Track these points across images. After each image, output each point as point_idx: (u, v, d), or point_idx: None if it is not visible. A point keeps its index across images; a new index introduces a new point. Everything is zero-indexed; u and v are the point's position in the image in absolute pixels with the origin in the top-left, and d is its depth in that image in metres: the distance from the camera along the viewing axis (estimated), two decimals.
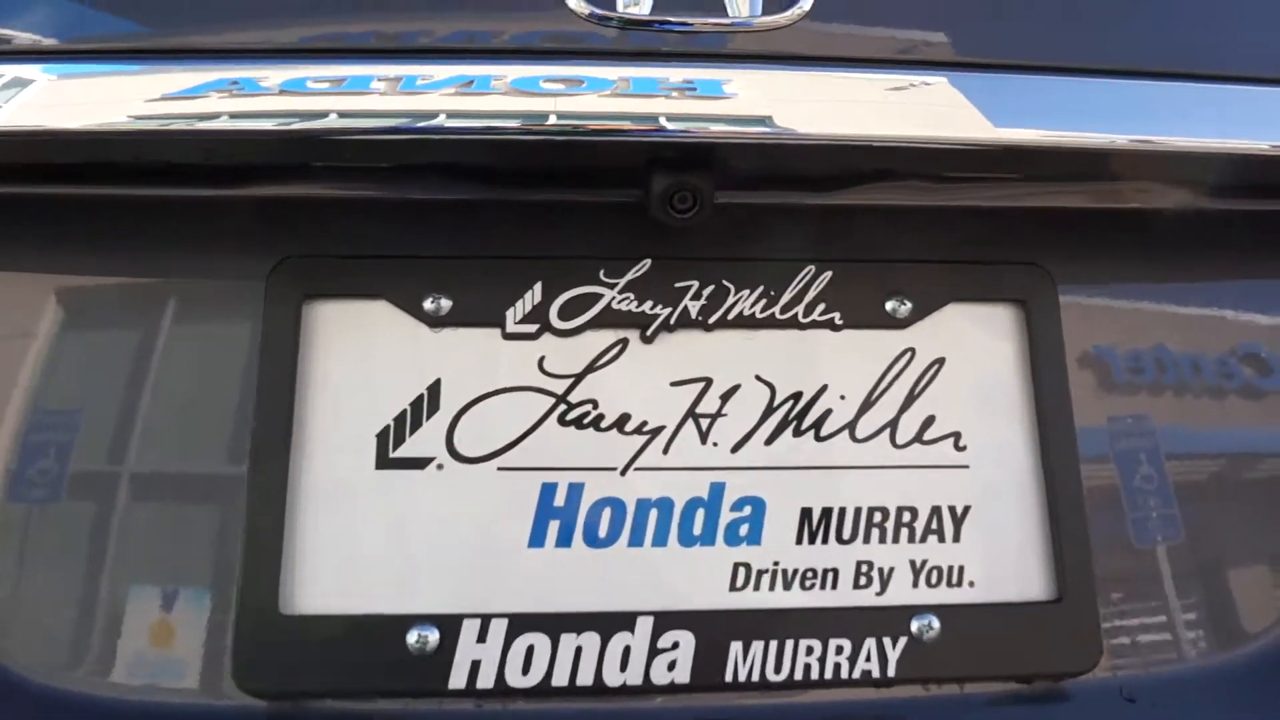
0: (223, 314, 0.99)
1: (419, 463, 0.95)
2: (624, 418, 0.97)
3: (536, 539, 0.94)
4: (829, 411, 0.99)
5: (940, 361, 1.01)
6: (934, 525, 0.97)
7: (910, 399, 1.00)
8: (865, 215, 1.05)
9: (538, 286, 0.99)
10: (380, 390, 0.96)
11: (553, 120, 0.88)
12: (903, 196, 1.04)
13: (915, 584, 0.96)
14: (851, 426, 0.98)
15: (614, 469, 0.96)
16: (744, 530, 0.95)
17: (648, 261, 1.00)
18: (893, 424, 0.99)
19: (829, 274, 1.01)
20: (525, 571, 0.93)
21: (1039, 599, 0.97)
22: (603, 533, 0.94)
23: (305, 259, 0.99)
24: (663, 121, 0.88)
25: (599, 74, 0.90)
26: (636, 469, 0.96)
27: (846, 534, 0.96)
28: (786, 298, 1.00)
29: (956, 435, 1.00)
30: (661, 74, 0.91)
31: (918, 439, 0.99)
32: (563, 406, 0.96)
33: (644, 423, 0.97)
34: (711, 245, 1.01)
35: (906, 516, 0.97)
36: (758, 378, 0.99)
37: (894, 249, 1.04)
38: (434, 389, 0.96)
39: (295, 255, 0.98)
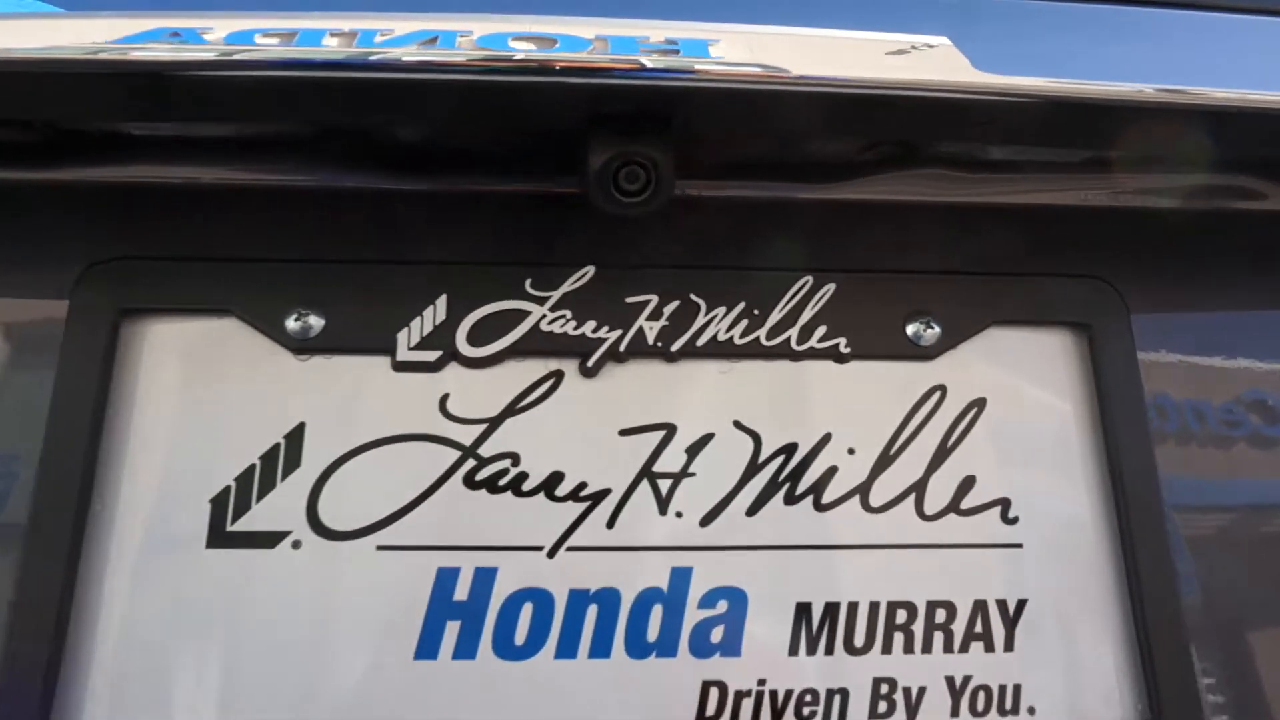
0: (17, 336, 0.80)
1: (268, 539, 0.77)
2: (554, 479, 0.80)
3: (427, 647, 0.75)
4: (833, 470, 0.82)
5: (979, 404, 0.85)
6: (978, 627, 0.80)
7: (941, 454, 0.84)
8: (878, 213, 0.89)
9: (441, 301, 0.82)
10: (221, 438, 0.78)
11: (461, 57, 0.68)
12: (927, 189, 0.89)
13: (955, 710, 0.79)
14: (863, 491, 0.82)
15: (539, 549, 0.79)
16: (717, 635, 0.78)
17: (590, 269, 0.84)
18: (918, 488, 0.83)
19: (831, 287, 0.86)
20: (408, 693, 0.75)
21: None
22: (520, 638, 0.76)
23: (125, 262, 0.82)
24: (602, 59, 0.69)
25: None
26: (570, 549, 0.79)
27: (859, 640, 0.79)
28: (775, 318, 0.85)
29: (1004, 503, 0.83)
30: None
31: (953, 508, 0.83)
32: (471, 462, 0.79)
33: (582, 485, 0.80)
34: (675, 249, 0.86)
35: (940, 615, 0.80)
36: (737, 425, 0.83)
37: (916, 256, 0.88)
38: (294, 438, 0.79)
39: (112, 257, 0.81)
